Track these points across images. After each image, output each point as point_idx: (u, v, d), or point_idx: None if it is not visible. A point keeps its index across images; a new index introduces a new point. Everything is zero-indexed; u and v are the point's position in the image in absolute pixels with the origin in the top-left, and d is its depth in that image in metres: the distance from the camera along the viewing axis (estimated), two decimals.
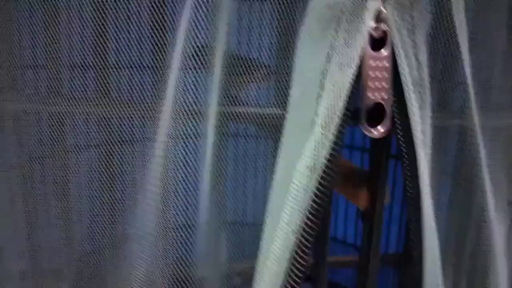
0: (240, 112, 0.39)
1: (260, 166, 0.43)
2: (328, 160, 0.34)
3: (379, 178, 0.41)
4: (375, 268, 0.44)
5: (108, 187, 0.43)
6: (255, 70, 0.40)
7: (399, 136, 0.36)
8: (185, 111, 0.38)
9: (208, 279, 0.45)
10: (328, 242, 0.48)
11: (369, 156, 0.43)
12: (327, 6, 0.35)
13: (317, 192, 0.34)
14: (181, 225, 0.42)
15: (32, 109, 0.41)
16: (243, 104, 0.39)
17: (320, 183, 0.34)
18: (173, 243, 0.42)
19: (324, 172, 0.34)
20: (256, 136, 0.42)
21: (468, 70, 0.39)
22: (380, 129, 0.36)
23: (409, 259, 0.58)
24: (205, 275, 0.45)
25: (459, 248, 0.47)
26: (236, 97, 0.39)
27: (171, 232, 0.41)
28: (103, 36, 0.40)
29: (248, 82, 0.40)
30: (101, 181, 0.43)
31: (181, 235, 0.42)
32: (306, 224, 0.35)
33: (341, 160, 0.43)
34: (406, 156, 0.36)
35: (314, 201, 0.34)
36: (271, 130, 0.40)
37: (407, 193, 0.37)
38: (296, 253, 0.35)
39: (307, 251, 0.35)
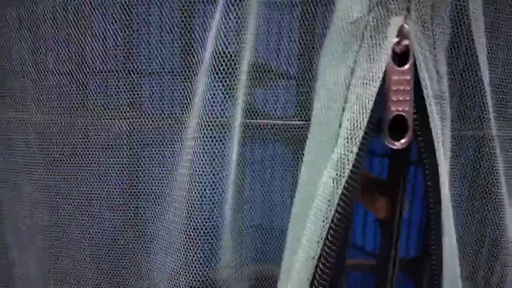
0: (264, 124, 0.40)
1: (283, 171, 0.44)
2: (352, 172, 0.35)
3: (398, 188, 0.42)
4: (394, 276, 0.45)
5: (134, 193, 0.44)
6: (278, 79, 0.41)
7: (421, 147, 0.37)
8: (211, 121, 0.39)
9: (230, 282, 0.46)
10: (347, 249, 0.49)
11: (388, 163, 0.44)
12: (350, 22, 0.36)
13: (341, 204, 0.35)
14: (208, 229, 0.43)
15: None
16: (266, 116, 0.40)
17: (344, 194, 0.35)
18: (196, 247, 0.42)
19: (348, 183, 0.35)
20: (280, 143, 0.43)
21: (487, 81, 0.40)
22: (403, 141, 0.37)
23: (424, 265, 0.58)
24: (227, 277, 0.45)
25: (476, 254, 0.48)
26: (260, 108, 0.39)
27: (195, 236, 0.42)
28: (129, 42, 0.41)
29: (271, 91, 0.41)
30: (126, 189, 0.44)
31: (205, 239, 0.43)
32: (330, 234, 0.35)
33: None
34: (427, 167, 0.37)
35: (338, 212, 0.35)
36: (293, 141, 0.41)
37: (428, 203, 0.38)
38: (320, 263, 0.36)
39: (331, 260, 0.36)
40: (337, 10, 0.37)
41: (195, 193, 0.40)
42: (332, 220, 0.35)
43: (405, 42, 0.35)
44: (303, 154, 0.39)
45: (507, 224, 0.43)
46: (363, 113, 0.35)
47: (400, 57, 0.36)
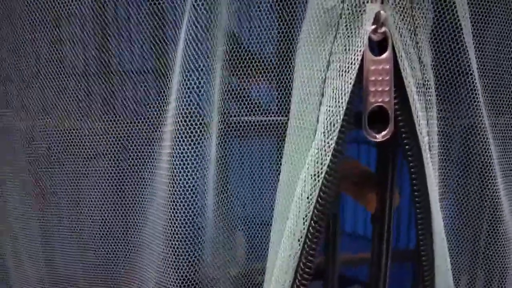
0: (245, 121, 0.39)
1: (267, 168, 0.43)
2: (331, 168, 0.34)
3: (387, 181, 0.41)
4: (386, 268, 0.44)
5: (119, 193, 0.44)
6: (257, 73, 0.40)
7: (403, 138, 0.35)
8: (187, 121, 0.38)
9: (224, 279, 0.45)
10: (338, 242, 0.48)
11: (376, 154, 0.43)
12: (324, 10, 0.34)
13: (321, 200, 0.34)
14: (194, 226, 0.43)
15: None
16: (247, 112, 0.39)
17: (323, 191, 0.34)
18: (186, 243, 0.42)
19: (327, 180, 0.34)
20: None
21: (474, 66, 0.38)
22: (384, 133, 0.35)
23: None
24: (221, 275, 0.45)
25: (474, 246, 0.46)
26: (239, 104, 0.38)
27: (183, 233, 0.42)
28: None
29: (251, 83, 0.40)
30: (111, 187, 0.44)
31: (196, 235, 0.42)
32: (310, 233, 0.34)
33: (348, 161, 0.43)
34: (411, 160, 0.36)
35: (317, 209, 0.34)
36: (277, 138, 0.40)
37: (414, 197, 0.36)
38: (303, 262, 0.35)
39: (312, 259, 0.35)
40: None
41: (175, 197, 0.39)
42: (312, 218, 0.34)
43: (382, 29, 0.34)
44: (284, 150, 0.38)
45: (504, 214, 0.41)
46: (339, 106, 0.33)
47: (379, 45, 0.35)
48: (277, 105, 0.40)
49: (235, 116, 0.39)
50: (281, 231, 0.37)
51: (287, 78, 0.39)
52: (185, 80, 0.36)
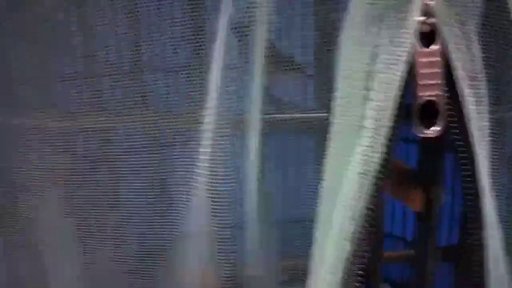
0: (283, 119, 0.38)
1: (305, 163, 0.42)
2: (381, 165, 0.32)
3: (431, 178, 0.39)
4: (432, 268, 0.42)
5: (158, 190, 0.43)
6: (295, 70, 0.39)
7: (454, 134, 0.34)
8: (227, 117, 0.37)
9: (257, 277, 0.44)
10: (382, 244, 0.46)
11: (419, 150, 0.41)
12: (368, 3, 0.33)
13: (371, 200, 0.33)
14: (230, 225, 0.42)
15: None
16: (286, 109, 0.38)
17: (372, 190, 0.33)
18: (222, 242, 0.41)
19: (377, 178, 0.32)
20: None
21: None
22: (434, 128, 0.34)
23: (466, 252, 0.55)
24: (254, 273, 0.44)
25: None
26: (278, 101, 0.37)
27: (220, 231, 0.41)
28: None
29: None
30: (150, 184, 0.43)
31: (230, 235, 0.42)
32: (360, 232, 0.33)
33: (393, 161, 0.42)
34: (462, 155, 0.34)
35: (368, 208, 0.33)
36: (315, 134, 0.39)
37: (465, 192, 0.35)
38: (352, 262, 0.34)
39: (363, 260, 0.34)
40: None
41: (216, 192, 0.38)
42: (361, 218, 0.33)
43: (431, 20, 0.32)
44: (325, 147, 0.37)
45: None
46: (388, 102, 0.32)
47: (427, 37, 0.33)
48: (314, 101, 0.39)
49: (273, 113, 0.38)
50: (327, 230, 0.36)
51: (325, 74, 0.38)
52: (225, 77, 0.36)
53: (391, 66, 0.32)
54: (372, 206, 0.33)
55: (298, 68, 0.39)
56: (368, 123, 0.33)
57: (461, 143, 0.34)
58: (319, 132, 0.38)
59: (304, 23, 0.37)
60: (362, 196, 0.33)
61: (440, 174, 0.39)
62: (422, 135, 0.34)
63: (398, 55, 0.32)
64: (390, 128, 0.32)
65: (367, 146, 0.33)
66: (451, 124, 0.34)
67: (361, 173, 0.33)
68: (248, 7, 0.35)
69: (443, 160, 0.39)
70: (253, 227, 0.42)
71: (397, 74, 0.32)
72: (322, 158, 0.37)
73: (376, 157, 0.32)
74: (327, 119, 0.37)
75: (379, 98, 0.32)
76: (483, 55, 0.35)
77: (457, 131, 0.34)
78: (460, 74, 0.33)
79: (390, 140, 0.32)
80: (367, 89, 0.33)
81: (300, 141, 0.40)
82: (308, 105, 0.39)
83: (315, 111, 0.38)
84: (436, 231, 0.41)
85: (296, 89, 0.39)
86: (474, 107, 0.34)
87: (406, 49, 0.32)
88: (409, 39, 0.32)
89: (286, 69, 0.38)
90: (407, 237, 0.88)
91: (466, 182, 0.35)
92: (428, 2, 0.32)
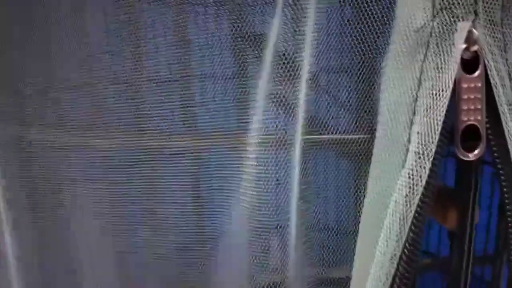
0: (326, 140, 0.38)
1: (346, 186, 0.43)
2: (426, 189, 0.33)
3: (469, 198, 0.40)
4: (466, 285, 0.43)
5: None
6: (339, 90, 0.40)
7: (495, 157, 0.35)
8: (271, 138, 0.38)
9: (292, 283, 0.45)
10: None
11: (456, 170, 0.42)
12: (413, 29, 0.34)
13: (415, 222, 0.34)
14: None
15: None
16: (328, 130, 0.39)
17: (417, 212, 0.33)
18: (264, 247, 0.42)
19: (421, 201, 0.33)
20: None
21: None
22: (476, 152, 0.35)
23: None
24: (292, 279, 0.45)
25: None
26: (320, 122, 0.38)
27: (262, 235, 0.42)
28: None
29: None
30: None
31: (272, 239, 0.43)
32: (405, 254, 0.34)
33: None
34: (503, 178, 0.35)
35: (412, 231, 0.34)
36: (356, 155, 0.39)
37: (507, 216, 0.36)
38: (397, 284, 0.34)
39: (408, 282, 0.34)
40: (399, 17, 0.35)
41: (258, 217, 0.39)
42: (406, 240, 0.34)
43: (474, 47, 0.33)
44: (367, 169, 0.38)
45: None
46: (434, 126, 0.33)
47: (469, 64, 0.34)
48: (355, 123, 0.40)
49: (316, 133, 0.39)
50: (368, 249, 0.36)
51: (367, 98, 0.39)
52: (269, 93, 0.36)
53: (436, 91, 0.33)
54: (416, 230, 0.34)
55: (342, 87, 0.40)
56: (414, 146, 0.34)
57: (502, 166, 0.35)
58: (361, 154, 0.39)
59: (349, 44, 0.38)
60: (407, 219, 0.34)
61: (476, 193, 0.40)
62: (463, 158, 0.35)
63: (444, 81, 0.33)
64: (436, 153, 0.33)
65: (412, 169, 0.34)
66: (492, 148, 0.35)
67: (406, 196, 0.34)
68: (294, 35, 0.35)
69: (480, 179, 0.40)
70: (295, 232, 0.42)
71: (443, 100, 0.33)
72: (361, 179, 0.38)
73: (422, 181, 0.33)
74: (367, 141, 0.38)
75: (425, 122, 0.33)
76: None
77: (498, 154, 0.35)
78: (501, 100, 0.34)
79: (435, 164, 0.33)
80: (413, 113, 0.34)
81: (342, 163, 0.41)
82: (349, 128, 0.39)
83: (355, 133, 0.39)
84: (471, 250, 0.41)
85: (340, 109, 0.39)
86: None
87: (452, 75, 0.33)
88: (454, 65, 0.33)
89: (330, 92, 0.39)
90: (430, 249, 0.89)
91: (506, 205, 0.36)
92: (472, 30, 0.33)
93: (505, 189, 0.35)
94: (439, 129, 0.33)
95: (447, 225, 0.42)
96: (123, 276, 0.50)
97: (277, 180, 0.39)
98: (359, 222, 0.39)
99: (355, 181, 0.41)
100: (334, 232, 0.46)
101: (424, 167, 0.33)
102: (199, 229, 0.44)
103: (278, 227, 0.43)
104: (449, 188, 0.44)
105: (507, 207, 0.35)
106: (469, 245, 0.41)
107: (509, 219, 0.35)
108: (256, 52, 0.38)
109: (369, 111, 0.38)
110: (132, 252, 0.48)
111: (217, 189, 0.41)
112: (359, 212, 0.39)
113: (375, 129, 0.36)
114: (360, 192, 0.40)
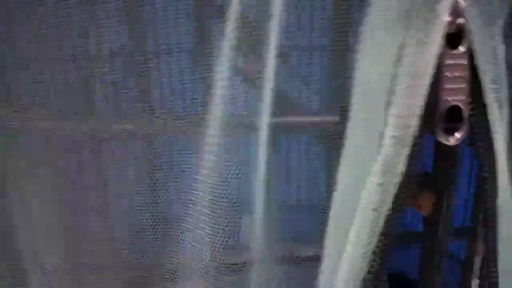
0: (295, 122, 0.35)
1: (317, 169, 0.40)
2: (403, 177, 0.30)
3: (445, 182, 0.38)
4: (439, 275, 0.41)
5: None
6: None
7: (477, 140, 0.32)
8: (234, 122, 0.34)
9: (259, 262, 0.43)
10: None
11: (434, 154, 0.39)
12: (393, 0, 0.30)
13: (391, 213, 0.31)
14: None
15: None
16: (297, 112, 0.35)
17: (393, 203, 0.31)
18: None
19: (398, 190, 0.30)
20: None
21: None
22: (458, 135, 0.32)
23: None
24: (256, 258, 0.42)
25: None
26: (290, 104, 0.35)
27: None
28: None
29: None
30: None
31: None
32: (378, 247, 0.31)
33: None
34: (484, 160, 0.33)
35: (387, 222, 0.31)
36: (327, 138, 0.36)
37: (485, 198, 0.33)
38: (370, 277, 0.32)
39: (381, 275, 0.32)
40: None
41: (221, 200, 0.36)
42: (381, 232, 0.31)
43: (459, 20, 0.30)
44: (339, 153, 0.34)
45: None
46: (413, 108, 0.30)
47: (452, 38, 0.31)
48: (325, 105, 0.37)
49: (284, 115, 0.35)
50: (340, 240, 0.34)
51: (340, 78, 0.35)
52: (232, 78, 0.33)
53: (418, 69, 0.30)
54: (392, 221, 0.31)
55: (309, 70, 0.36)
56: (390, 131, 0.31)
57: (483, 149, 0.33)
58: (330, 137, 0.35)
59: (320, 21, 0.34)
60: (382, 210, 0.31)
61: (453, 178, 0.38)
62: (444, 142, 0.32)
63: (426, 57, 0.30)
64: (414, 138, 0.30)
65: (388, 155, 0.31)
66: (474, 131, 0.32)
67: (381, 184, 0.31)
68: (258, 4, 0.31)
69: (459, 163, 0.37)
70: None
71: (425, 78, 0.30)
72: (334, 164, 0.35)
73: (398, 168, 0.30)
74: (340, 124, 0.35)
75: (404, 104, 0.30)
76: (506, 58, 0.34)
77: (479, 137, 0.32)
78: (486, 78, 0.31)
79: (414, 151, 0.30)
80: (391, 92, 0.31)
81: (310, 145, 0.37)
82: (320, 108, 0.36)
83: (327, 116, 0.35)
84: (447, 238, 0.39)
85: (307, 91, 0.36)
86: (497, 113, 0.33)
87: (434, 51, 0.29)
88: (437, 40, 0.29)
89: (297, 70, 0.35)
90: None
91: (484, 187, 0.33)
92: (458, 1, 0.30)
93: (485, 171, 0.33)
94: (419, 111, 0.30)
95: (424, 211, 0.40)
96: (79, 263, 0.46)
97: (241, 163, 0.36)
98: (330, 200, 0.36)
99: (326, 164, 0.38)
100: (304, 211, 0.43)
101: (401, 154, 0.30)
102: (154, 215, 0.40)
103: (245, 208, 0.40)
104: (424, 172, 0.41)
105: (486, 189, 0.33)
106: (444, 231, 0.39)
107: (487, 200, 0.33)
108: (219, 24, 0.33)
109: (342, 91, 0.35)
110: (87, 238, 0.44)
111: (173, 178, 0.38)
112: (329, 191, 0.36)
113: (348, 111, 0.33)
114: (331, 175, 0.36)
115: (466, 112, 0.32)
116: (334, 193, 0.35)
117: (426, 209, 0.39)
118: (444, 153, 0.37)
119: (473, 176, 0.59)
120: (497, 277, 0.36)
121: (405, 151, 0.30)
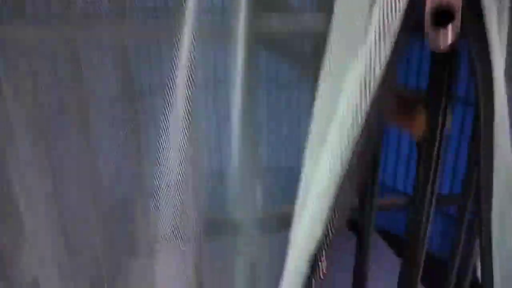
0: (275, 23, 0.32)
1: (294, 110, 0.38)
2: (384, 76, 0.28)
3: (440, 98, 0.35)
4: (429, 209, 0.39)
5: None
6: None
7: (471, 45, 0.30)
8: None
9: (243, 222, 0.42)
10: (376, 184, 0.43)
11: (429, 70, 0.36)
12: None
13: (369, 113, 0.28)
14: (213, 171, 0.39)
15: None
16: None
17: (373, 102, 0.28)
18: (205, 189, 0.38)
19: (379, 88, 0.28)
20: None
21: None
22: (448, 38, 0.29)
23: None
24: (240, 218, 0.41)
25: None
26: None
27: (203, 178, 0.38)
28: None
29: None
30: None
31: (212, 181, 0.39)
32: (356, 155, 0.29)
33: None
34: (479, 69, 0.30)
35: (365, 126, 0.29)
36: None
37: (480, 112, 0.31)
38: (337, 210, 0.30)
39: (351, 194, 0.30)
40: None
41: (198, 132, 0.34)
42: (357, 138, 0.29)
43: None
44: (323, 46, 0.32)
45: None
46: (399, 3, 0.27)
47: None
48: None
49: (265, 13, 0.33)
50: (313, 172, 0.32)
51: None
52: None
53: None
54: (370, 125, 0.29)
55: None
56: (374, 27, 0.28)
57: (478, 56, 0.30)
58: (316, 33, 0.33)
59: None
60: (360, 111, 0.29)
61: (449, 93, 0.35)
62: (434, 46, 0.30)
63: None
64: (398, 34, 0.28)
65: (370, 52, 0.28)
66: (468, 34, 0.29)
67: (362, 82, 0.29)
68: None
69: (454, 75, 0.35)
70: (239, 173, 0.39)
71: None
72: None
73: (379, 67, 0.28)
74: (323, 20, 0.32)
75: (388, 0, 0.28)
76: None
77: (474, 42, 0.30)
78: None
79: (397, 48, 0.28)
80: None
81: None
82: (303, 5, 0.33)
83: (310, 11, 0.33)
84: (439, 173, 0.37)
85: None
86: (495, 15, 0.30)
87: None
88: None
89: None
90: (397, 187, 0.86)
91: (481, 98, 0.31)
92: None
93: (479, 81, 0.30)
94: (404, 7, 0.27)
95: (415, 131, 0.38)
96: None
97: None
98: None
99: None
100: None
101: (383, 50, 0.28)
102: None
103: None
104: (418, 91, 0.39)
105: (481, 97, 0.30)
106: (438, 153, 0.37)
107: (483, 114, 0.30)
108: None
109: None
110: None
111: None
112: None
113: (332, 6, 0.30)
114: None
115: (457, 13, 0.29)
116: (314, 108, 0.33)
117: (419, 130, 0.37)
118: (439, 62, 0.35)
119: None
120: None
121: (387, 50, 0.28)
